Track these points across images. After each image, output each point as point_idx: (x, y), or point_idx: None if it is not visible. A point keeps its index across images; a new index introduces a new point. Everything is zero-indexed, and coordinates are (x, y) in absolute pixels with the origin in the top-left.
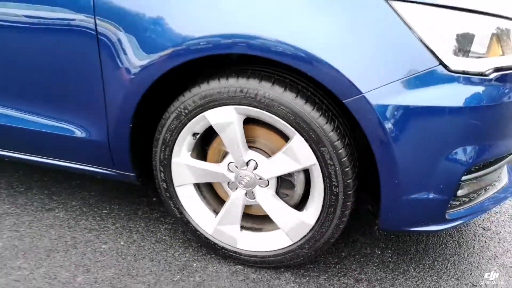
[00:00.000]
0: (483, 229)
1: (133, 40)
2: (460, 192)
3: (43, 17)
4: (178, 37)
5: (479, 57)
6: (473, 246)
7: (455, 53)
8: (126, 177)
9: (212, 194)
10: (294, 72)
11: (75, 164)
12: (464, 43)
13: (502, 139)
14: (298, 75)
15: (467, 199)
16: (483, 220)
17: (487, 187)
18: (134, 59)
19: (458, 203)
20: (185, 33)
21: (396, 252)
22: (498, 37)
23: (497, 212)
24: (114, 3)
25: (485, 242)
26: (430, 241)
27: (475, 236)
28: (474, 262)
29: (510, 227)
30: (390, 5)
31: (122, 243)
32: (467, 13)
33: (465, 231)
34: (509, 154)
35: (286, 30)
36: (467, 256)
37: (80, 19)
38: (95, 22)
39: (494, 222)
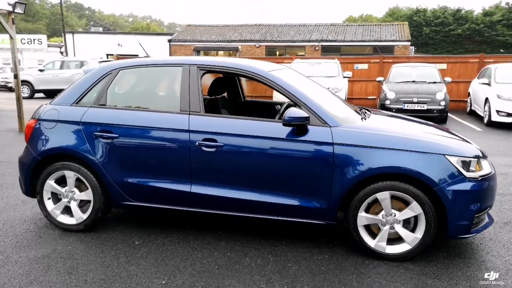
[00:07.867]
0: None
1: (349, 167)
2: (474, 221)
3: (313, 151)
4: (364, 168)
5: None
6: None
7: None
8: (329, 224)
9: (368, 229)
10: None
11: (294, 218)
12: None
13: (485, 201)
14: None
15: (477, 225)
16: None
17: (482, 221)
18: (349, 173)
19: (474, 226)
20: (364, 169)
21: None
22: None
23: (496, 214)
24: (341, 156)
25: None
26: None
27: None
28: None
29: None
30: (449, 161)
31: (326, 255)
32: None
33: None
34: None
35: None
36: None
37: (327, 160)
38: (333, 160)
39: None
